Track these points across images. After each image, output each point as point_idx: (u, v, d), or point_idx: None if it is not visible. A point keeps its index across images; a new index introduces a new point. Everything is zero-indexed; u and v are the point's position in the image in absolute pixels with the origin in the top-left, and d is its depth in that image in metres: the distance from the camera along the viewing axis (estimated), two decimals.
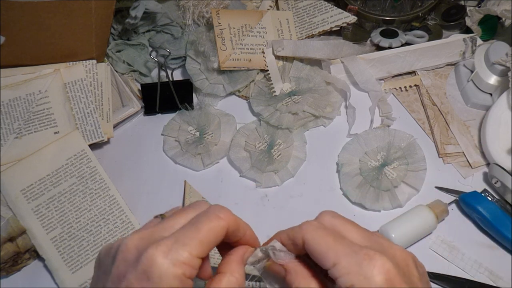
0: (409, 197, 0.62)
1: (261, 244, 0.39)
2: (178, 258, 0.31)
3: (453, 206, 0.61)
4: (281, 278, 0.37)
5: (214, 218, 0.34)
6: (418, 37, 0.71)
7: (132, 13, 0.68)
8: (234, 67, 0.69)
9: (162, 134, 0.68)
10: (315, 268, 0.36)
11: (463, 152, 0.64)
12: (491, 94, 0.67)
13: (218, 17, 0.70)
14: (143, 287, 0.31)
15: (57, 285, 0.57)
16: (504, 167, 0.59)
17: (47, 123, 0.63)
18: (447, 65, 0.71)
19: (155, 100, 0.69)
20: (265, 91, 0.69)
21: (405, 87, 0.70)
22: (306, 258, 0.37)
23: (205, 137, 0.66)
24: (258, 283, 0.55)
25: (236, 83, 0.70)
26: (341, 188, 0.63)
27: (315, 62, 0.71)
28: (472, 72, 0.68)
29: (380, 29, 0.72)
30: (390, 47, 0.70)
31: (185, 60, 0.72)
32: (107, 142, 0.67)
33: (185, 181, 0.64)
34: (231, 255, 0.37)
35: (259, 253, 0.38)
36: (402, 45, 0.70)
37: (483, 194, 0.59)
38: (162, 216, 0.37)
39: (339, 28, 0.72)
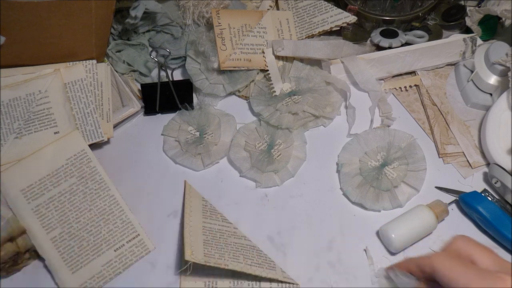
0: (409, 197, 0.62)
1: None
2: None
3: (453, 206, 0.61)
4: None
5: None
6: (418, 37, 0.71)
7: (132, 13, 0.68)
8: (234, 67, 0.69)
9: (162, 134, 0.68)
10: None
11: (463, 152, 0.64)
12: (491, 94, 0.67)
13: (218, 17, 0.70)
14: None
15: (57, 285, 0.57)
16: (504, 167, 0.59)
17: (47, 123, 0.63)
18: (447, 65, 0.71)
19: (155, 100, 0.69)
20: (265, 91, 0.69)
21: (405, 87, 0.70)
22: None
23: (205, 137, 0.66)
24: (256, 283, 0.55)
25: (236, 83, 0.70)
26: (341, 188, 0.63)
27: (315, 62, 0.71)
28: (472, 72, 0.68)
29: (380, 29, 0.72)
30: (390, 47, 0.70)
31: (185, 60, 0.72)
32: (107, 142, 0.67)
33: (185, 181, 0.64)
34: None
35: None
36: (402, 45, 0.70)
37: (483, 194, 0.59)
38: None
39: (339, 28, 0.72)
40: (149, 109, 0.70)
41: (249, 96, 0.70)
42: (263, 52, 0.70)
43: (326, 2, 0.73)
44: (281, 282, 0.55)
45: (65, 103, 0.64)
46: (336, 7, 0.73)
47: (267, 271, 0.55)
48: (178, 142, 0.67)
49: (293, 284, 0.56)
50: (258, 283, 0.55)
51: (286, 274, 0.56)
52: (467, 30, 0.73)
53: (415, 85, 0.70)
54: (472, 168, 0.64)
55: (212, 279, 0.56)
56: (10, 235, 0.56)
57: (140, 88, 0.71)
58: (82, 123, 0.64)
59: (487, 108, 0.66)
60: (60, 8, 0.59)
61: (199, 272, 0.56)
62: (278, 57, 0.71)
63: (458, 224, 0.60)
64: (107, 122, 0.66)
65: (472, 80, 0.68)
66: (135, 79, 0.73)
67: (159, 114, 0.70)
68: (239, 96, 0.72)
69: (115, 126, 0.67)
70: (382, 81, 0.71)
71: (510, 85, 0.62)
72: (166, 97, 0.69)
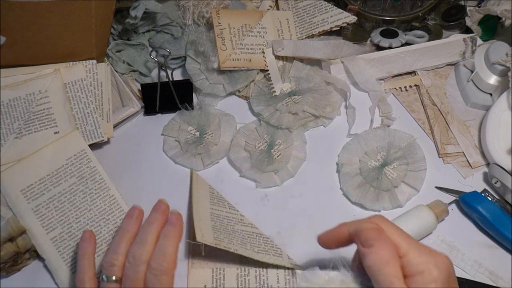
0: (409, 197, 0.62)
1: None
2: None
3: (453, 206, 0.61)
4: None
5: None
6: (418, 37, 0.71)
7: (132, 13, 0.68)
8: (234, 67, 0.69)
9: (162, 134, 0.68)
10: None
11: (463, 152, 0.64)
12: (491, 94, 0.67)
13: (218, 17, 0.70)
14: None
15: (57, 285, 0.57)
16: (504, 167, 0.59)
17: (47, 123, 0.63)
18: (447, 65, 0.71)
19: (155, 100, 0.69)
20: (265, 91, 0.69)
21: (405, 87, 0.70)
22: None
23: (205, 137, 0.66)
24: None
25: (236, 83, 0.70)
26: (341, 188, 0.63)
27: (315, 62, 0.71)
28: (472, 72, 0.68)
29: (380, 29, 0.72)
30: (390, 47, 0.70)
31: (185, 60, 0.72)
32: (107, 142, 0.67)
33: (191, 170, 0.64)
34: None
35: None
36: (402, 45, 0.70)
37: (483, 194, 0.59)
38: None
39: (339, 28, 0.72)
40: (149, 109, 0.70)
41: (249, 96, 0.70)
42: (263, 52, 0.70)
43: (326, 2, 0.73)
44: (288, 268, 0.56)
45: (65, 103, 0.64)
46: (336, 7, 0.73)
47: (274, 257, 0.55)
48: (178, 142, 0.67)
49: (300, 270, 0.56)
50: (265, 269, 0.56)
51: (292, 261, 0.56)
52: (467, 30, 0.73)
53: (415, 85, 0.70)
54: (472, 168, 0.64)
55: (220, 266, 0.56)
56: (10, 235, 0.56)
57: (140, 88, 0.71)
58: (82, 123, 0.64)
59: (487, 108, 0.66)
60: (60, 8, 0.59)
61: (207, 259, 0.57)
62: (278, 57, 0.71)
63: (458, 224, 0.60)
64: (107, 122, 0.66)
65: (472, 80, 0.68)
66: (135, 79, 0.73)
67: (159, 114, 0.70)
68: (239, 96, 0.72)
69: (115, 126, 0.67)
70: (382, 81, 0.71)
71: (510, 85, 0.62)
72: (166, 97, 0.69)
